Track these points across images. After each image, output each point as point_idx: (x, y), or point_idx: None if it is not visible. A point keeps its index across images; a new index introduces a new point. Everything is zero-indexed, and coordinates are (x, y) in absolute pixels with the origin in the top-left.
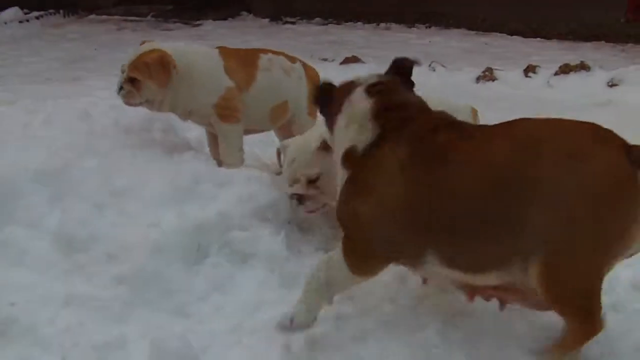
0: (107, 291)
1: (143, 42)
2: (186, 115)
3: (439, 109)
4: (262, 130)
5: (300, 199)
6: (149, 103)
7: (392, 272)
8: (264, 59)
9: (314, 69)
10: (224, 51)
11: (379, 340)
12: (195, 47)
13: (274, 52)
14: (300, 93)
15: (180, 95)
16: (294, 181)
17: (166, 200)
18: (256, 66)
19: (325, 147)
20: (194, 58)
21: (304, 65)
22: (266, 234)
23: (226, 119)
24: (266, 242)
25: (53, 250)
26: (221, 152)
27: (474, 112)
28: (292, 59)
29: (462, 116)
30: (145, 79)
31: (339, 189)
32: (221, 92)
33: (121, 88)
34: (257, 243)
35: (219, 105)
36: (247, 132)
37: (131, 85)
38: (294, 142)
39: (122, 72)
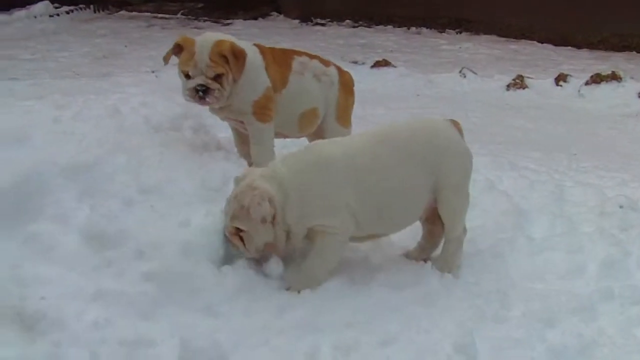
0: (135, 288)
1: (182, 38)
2: (222, 108)
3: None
4: (290, 136)
5: None
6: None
7: (420, 274)
8: (297, 62)
9: (349, 73)
10: (261, 49)
11: (407, 344)
12: (240, 42)
13: (308, 55)
14: (330, 99)
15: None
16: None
17: (195, 200)
18: (289, 68)
19: None
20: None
21: (339, 69)
22: None
23: (261, 117)
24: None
25: (81, 245)
26: (253, 152)
27: (457, 126)
28: (327, 63)
29: (444, 134)
30: (228, 72)
31: None
32: (262, 91)
33: (205, 90)
34: None
35: (258, 103)
36: (275, 135)
37: (216, 82)
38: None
39: (191, 74)
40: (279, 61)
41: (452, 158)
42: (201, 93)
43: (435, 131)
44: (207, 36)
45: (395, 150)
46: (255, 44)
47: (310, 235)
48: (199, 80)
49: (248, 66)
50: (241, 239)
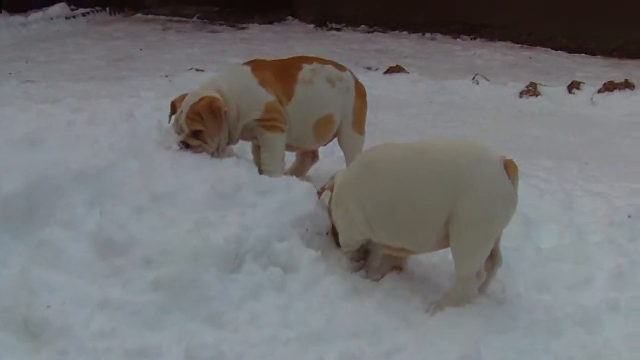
0: (142, 296)
1: (177, 97)
2: (238, 138)
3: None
4: (307, 148)
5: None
6: (216, 150)
7: (428, 284)
8: (305, 70)
9: (362, 84)
10: (257, 66)
11: (413, 354)
12: (227, 74)
13: (321, 61)
14: (347, 104)
15: (230, 125)
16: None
17: (206, 206)
18: (295, 79)
19: None
20: (230, 87)
21: (353, 76)
22: (304, 245)
23: (270, 129)
24: (303, 253)
25: (90, 252)
26: (262, 160)
27: (509, 166)
28: (342, 68)
29: (492, 167)
30: (206, 128)
31: None
32: (262, 107)
33: (187, 146)
34: (294, 253)
35: (263, 118)
36: (290, 148)
37: (197, 139)
38: None
39: (177, 132)
40: (281, 74)
41: (476, 191)
42: (185, 149)
43: (464, 157)
44: (192, 93)
45: (422, 166)
46: (250, 62)
47: None
48: (180, 137)
49: (241, 90)
50: None
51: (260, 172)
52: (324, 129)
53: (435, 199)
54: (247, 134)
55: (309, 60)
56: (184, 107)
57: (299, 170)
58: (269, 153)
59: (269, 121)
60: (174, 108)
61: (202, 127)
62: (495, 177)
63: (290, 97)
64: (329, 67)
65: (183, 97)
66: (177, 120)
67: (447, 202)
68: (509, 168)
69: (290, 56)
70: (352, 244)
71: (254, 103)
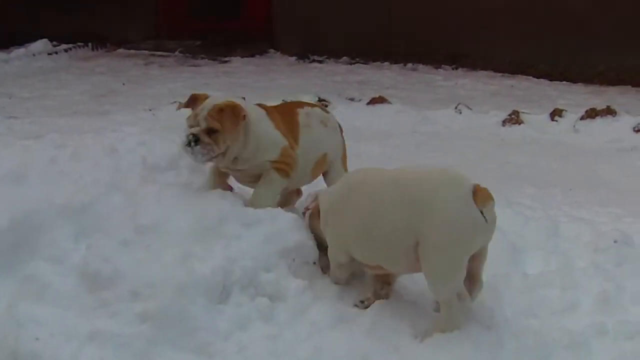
0: (130, 328)
1: (199, 94)
2: (236, 171)
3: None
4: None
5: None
6: (221, 155)
7: (416, 310)
8: (302, 115)
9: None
10: (268, 110)
11: None
12: (248, 105)
13: (309, 105)
14: (336, 143)
15: (243, 151)
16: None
17: (191, 239)
18: (297, 124)
19: None
20: (254, 116)
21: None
22: (291, 276)
23: (280, 172)
24: (290, 283)
25: (77, 286)
26: (256, 193)
27: (478, 192)
28: (325, 110)
29: (455, 192)
30: (223, 131)
31: None
32: (278, 151)
33: (197, 140)
34: (281, 284)
35: (277, 160)
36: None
37: (209, 137)
38: None
39: (191, 125)
40: (286, 118)
41: (436, 216)
42: (193, 143)
43: (428, 183)
44: (218, 95)
45: (393, 191)
46: (259, 105)
47: None
48: (192, 130)
49: (256, 129)
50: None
51: (249, 203)
52: (319, 168)
53: (401, 223)
54: (247, 174)
55: (300, 105)
56: (208, 104)
57: (284, 205)
58: (266, 190)
59: (281, 164)
60: (193, 98)
61: (220, 127)
62: (457, 202)
63: (297, 142)
64: (317, 108)
65: (203, 95)
66: (195, 115)
67: (412, 226)
68: (477, 194)
69: (271, 87)
70: (340, 259)
71: (269, 145)
